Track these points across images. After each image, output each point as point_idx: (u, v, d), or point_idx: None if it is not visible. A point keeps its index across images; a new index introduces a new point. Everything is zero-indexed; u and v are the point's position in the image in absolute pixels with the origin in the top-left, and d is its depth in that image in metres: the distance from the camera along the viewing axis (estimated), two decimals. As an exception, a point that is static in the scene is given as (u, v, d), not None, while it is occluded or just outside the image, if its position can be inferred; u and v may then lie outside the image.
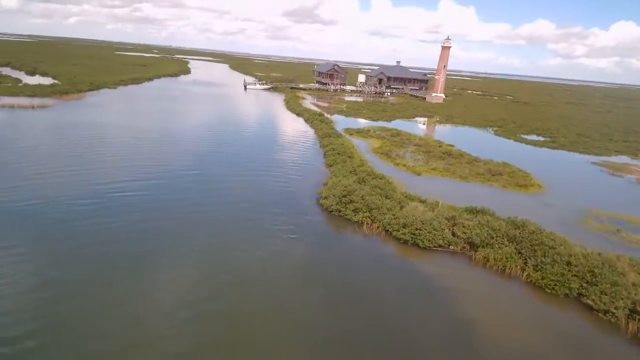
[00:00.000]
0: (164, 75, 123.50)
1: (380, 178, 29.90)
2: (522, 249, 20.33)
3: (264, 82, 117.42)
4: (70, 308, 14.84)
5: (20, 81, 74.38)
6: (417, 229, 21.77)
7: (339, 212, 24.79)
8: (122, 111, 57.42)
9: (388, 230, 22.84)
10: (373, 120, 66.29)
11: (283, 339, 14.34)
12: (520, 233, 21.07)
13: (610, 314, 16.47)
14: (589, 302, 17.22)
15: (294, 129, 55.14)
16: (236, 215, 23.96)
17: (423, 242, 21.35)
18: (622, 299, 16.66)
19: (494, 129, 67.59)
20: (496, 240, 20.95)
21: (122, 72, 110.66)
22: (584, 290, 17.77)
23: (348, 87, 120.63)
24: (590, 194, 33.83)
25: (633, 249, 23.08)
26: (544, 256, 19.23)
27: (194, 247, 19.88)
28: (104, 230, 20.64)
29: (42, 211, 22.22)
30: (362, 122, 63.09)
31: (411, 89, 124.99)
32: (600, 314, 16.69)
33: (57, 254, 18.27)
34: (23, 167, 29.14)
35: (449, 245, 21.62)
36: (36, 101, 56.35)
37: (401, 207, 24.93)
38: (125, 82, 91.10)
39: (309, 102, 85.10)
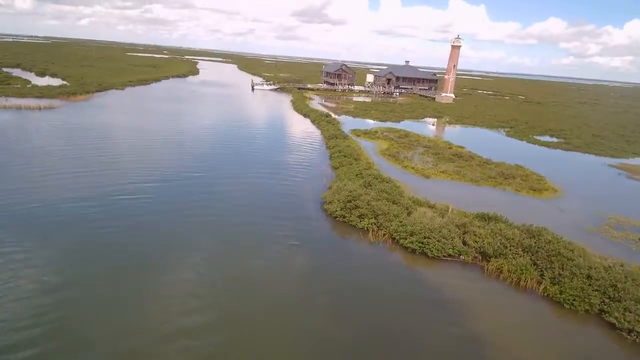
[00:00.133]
0: (172, 76, 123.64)
1: (387, 182, 28.80)
2: (538, 260, 19.08)
3: (271, 82, 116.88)
4: (69, 312, 14.52)
5: (30, 82, 74.75)
6: (425, 237, 20.65)
7: (344, 218, 23.76)
8: (127, 112, 57.16)
9: (395, 238, 21.74)
10: (381, 121, 65.06)
11: (284, 351, 13.58)
12: (535, 242, 19.81)
13: (635, 333, 15.19)
14: (612, 319, 15.96)
15: (300, 130, 54.22)
16: (237, 221, 23.22)
17: (432, 251, 20.23)
18: (648, 317, 15.39)
19: (506, 129, 65.85)
20: (510, 250, 19.73)
21: (131, 73, 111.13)
22: (605, 307, 16.51)
23: (356, 88, 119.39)
24: (609, 199, 32.20)
25: (657, 259, 21.66)
26: (562, 269, 17.98)
27: (194, 254, 19.28)
28: (100, 234, 20.07)
29: (41, 214, 21.81)
30: (370, 123, 61.92)
31: (420, 89, 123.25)
32: (624, 333, 15.42)
33: (58, 256, 17.84)
34: (25, 169, 28.79)
35: (460, 254, 20.45)
36: (43, 102, 56.35)
37: (409, 213, 23.84)
38: (133, 83, 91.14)
39: (316, 103, 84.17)
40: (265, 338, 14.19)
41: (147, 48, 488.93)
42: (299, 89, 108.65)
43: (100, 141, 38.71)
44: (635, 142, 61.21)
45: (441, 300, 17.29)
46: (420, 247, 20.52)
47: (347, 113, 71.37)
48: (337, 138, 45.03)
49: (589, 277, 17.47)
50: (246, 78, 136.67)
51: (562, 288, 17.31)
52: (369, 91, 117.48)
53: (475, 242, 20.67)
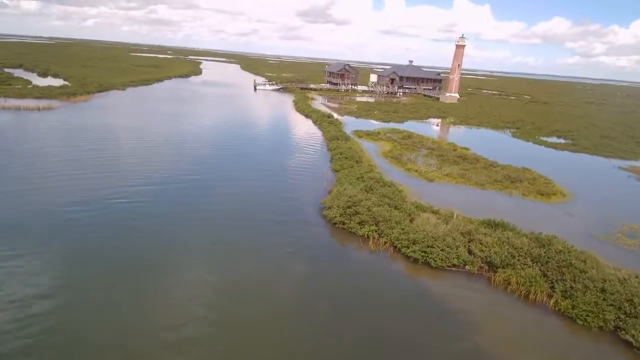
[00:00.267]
0: (175, 76, 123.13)
1: (389, 186, 27.80)
2: (548, 271, 18.02)
3: (274, 82, 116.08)
4: (64, 318, 14.17)
5: (31, 83, 74.34)
6: (428, 246, 19.64)
7: (343, 224, 22.80)
8: (127, 113, 56.46)
9: (396, 246, 20.75)
10: (384, 121, 63.97)
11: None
12: (545, 252, 18.75)
13: (655, 353, 14.15)
14: (628, 337, 14.88)
15: (301, 131, 53.29)
16: (235, 225, 22.55)
17: (435, 261, 19.20)
18: (668, 335, 14.32)
19: (512, 130, 64.57)
20: (518, 260, 18.68)
21: (133, 74, 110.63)
22: (621, 323, 15.43)
23: (360, 87, 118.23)
24: (621, 204, 30.94)
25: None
26: (574, 281, 16.92)
27: (192, 258, 18.86)
28: (99, 237, 19.51)
29: (37, 217, 21.32)
30: (373, 124, 60.84)
31: (424, 88, 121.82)
32: (642, 353, 14.38)
33: (53, 260, 17.52)
34: (24, 170, 28.25)
35: (465, 264, 19.42)
36: (42, 103, 55.77)
37: (411, 220, 22.83)
38: (134, 84, 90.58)
39: (319, 103, 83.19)
40: (259, 348, 13.59)
41: (151, 48, 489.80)
42: (301, 89, 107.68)
43: (98, 142, 38.01)
44: (645, 143, 59.71)
45: (445, 313, 16.30)
46: (423, 256, 19.52)
47: (349, 113, 70.34)
48: (338, 139, 44.07)
49: (603, 290, 16.40)
50: (249, 78, 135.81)
51: (574, 302, 16.25)
52: (372, 91, 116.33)
53: (482, 251, 19.64)
